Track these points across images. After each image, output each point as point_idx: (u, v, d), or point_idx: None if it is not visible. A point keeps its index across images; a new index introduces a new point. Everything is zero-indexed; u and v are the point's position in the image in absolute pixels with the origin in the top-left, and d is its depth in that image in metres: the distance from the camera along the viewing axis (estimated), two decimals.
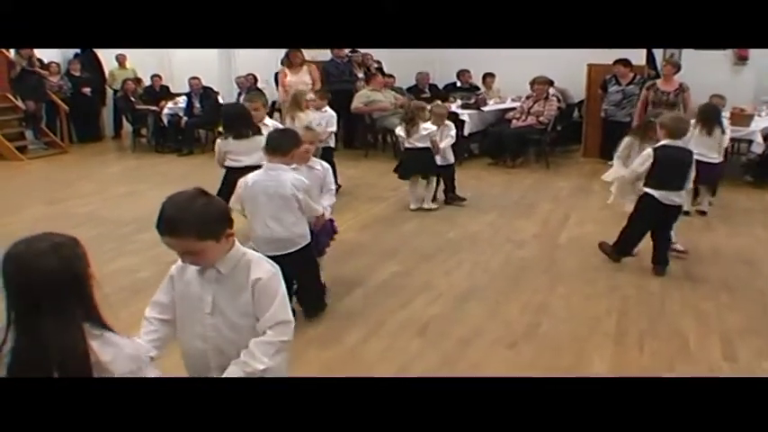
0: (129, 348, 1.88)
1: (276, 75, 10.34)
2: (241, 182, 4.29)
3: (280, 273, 2.35)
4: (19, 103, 11.63)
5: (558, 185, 8.69)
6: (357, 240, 6.33)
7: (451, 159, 7.70)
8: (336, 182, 5.86)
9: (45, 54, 12.26)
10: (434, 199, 7.61)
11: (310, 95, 8.35)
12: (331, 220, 4.94)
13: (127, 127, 12.83)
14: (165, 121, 11.67)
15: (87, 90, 12.60)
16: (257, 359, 2.26)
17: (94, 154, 11.79)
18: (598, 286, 5.17)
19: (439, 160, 7.46)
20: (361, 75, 11.38)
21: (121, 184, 9.03)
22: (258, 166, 4.39)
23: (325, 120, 7.94)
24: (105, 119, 13.40)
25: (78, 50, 12.99)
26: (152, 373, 1.99)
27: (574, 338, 4.29)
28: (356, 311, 4.76)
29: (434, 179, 7.57)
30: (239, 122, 5.99)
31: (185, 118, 11.37)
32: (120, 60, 13.10)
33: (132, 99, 12.16)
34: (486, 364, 3.97)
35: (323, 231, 4.77)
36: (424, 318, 4.63)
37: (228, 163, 5.99)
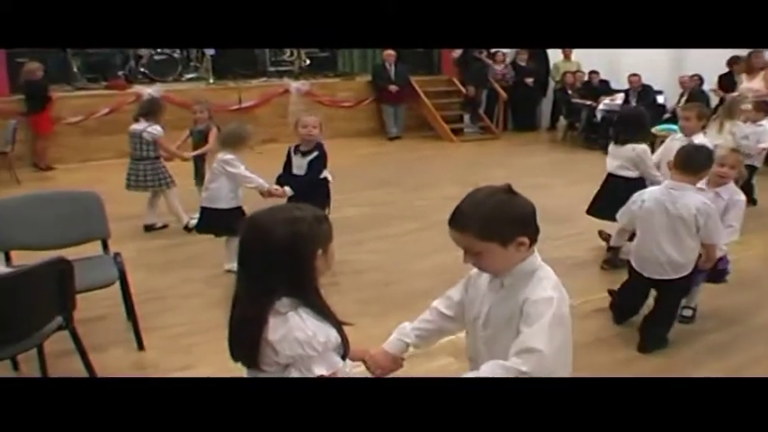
0: (301, 333, 1.92)
1: (720, 77, 10.18)
2: (636, 196, 4.41)
3: (563, 300, 2.15)
4: (462, 87, 13.30)
5: None
6: (751, 269, 5.96)
7: None
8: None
9: None
10: None
11: (747, 105, 8.07)
12: (723, 258, 4.67)
13: (562, 119, 13.75)
14: (599, 116, 12.22)
15: (530, 80, 13.74)
16: None
17: (524, 143, 12.87)
18: None
19: None
20: None
21: (536, 176, 9.71)
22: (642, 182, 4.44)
23: (757, 135, 7.66)
24: (543, 110, 14.47)
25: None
26: (331, 361, 2.00)
27: None
28: (722, 348, 4.51)
29: None
30: (629, 128, 5.95)
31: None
32: (566, 53, 14.01)
33: (569, 92, 12.98)
34: None
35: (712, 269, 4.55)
36: None
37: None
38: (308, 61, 13.68)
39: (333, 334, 1.99)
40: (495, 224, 2.08)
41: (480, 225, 2.08)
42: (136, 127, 6.78)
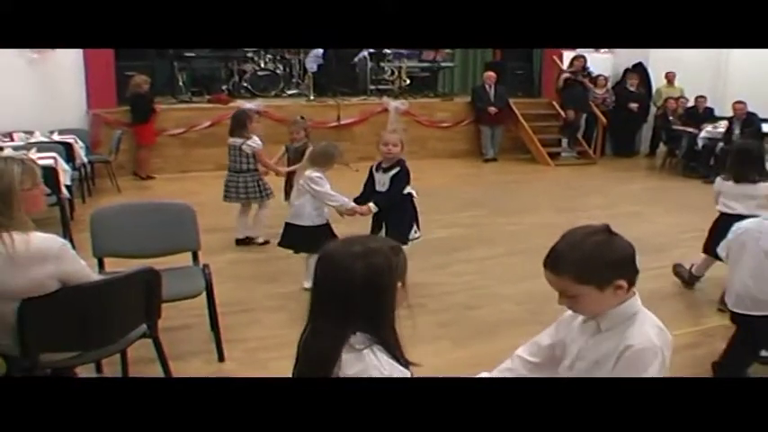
0: (376, 372, 1.88)
1: None
2: (735, 226, 4.31)
3: (667, 345, 2.09)
4: (561, 111, 13.23)
5: None
6: None
7: None
8: None
9: (595, 66, 13.48)
10: None
11: None
12: None
13: (662, 146, 13.47)
14: (700, 144, 11.91)
15: (635, 105, 13.52)
16: None
17: (621, 169, 12.65)
18: None
19: None
20: None
21: (633, 203, 9.60)
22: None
23: None
24: (643, 135, 14.20)
25: (633, 63, 13.96)
26: None
27: None
28: None
29: None
30: (739, 163, 5.67)
31: (721, 144, 11.45)
32: (669, 78, 13.72)
33: (671, 118, 12.70)
34: None
35: None
36: None
37: (720, 207, 5.78)
38: (408, 81, 13.81)
39: (406, 374, 1.96)
40: (593, 267, 2.04)
41: (577, 268, 2.04)
42: (235, 140, 6.97)
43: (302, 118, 7.75)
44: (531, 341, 2.42)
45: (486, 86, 13.04)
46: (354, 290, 1.88)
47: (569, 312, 2.26)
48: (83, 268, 3.11)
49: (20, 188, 2.95)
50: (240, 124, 7.00)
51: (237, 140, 6.93)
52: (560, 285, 2.08)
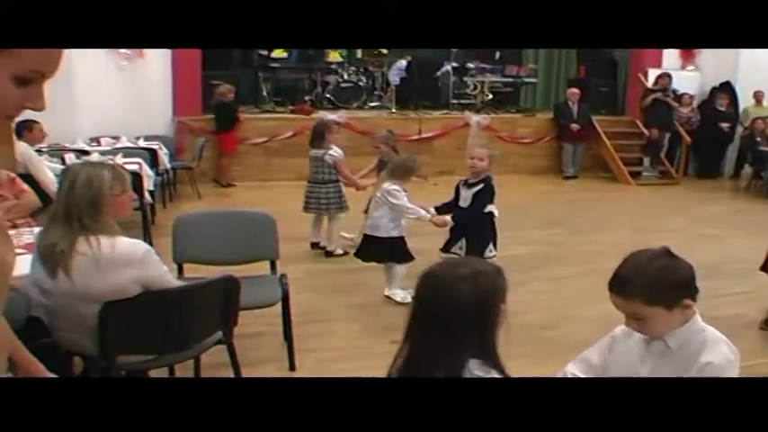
0: None
1: None
2: None
3: (738, 360, 2.16)
4: (644, 129, 12.95)
5: None
6: None
7: None
8: None
9: (681, 85, 13.19)
10: None
11: None
12: None
13: (747, 167, 13.08)
14: None
15: (726, 125, 13.17)
16: None
17: (704, 190, 12.32)
18: None
19: None
20: None
21: (714, 226, 9.34)
22: None
23: None
24: (728, 156, 13.80)
25: (721, 82, 13.59)
26: None
27: None
28: None
29: None
30: None
31: None
32: (758, 97, 13.33)
33: (758, 139, 12.32)
34: None
35: None
36: None
37: None
38: (490, 95, 13.78)
39: None
40: (661, 289, 2.11)
41: (645, 291, 2.10)
42: (317, 150, 7.03)
43: (390, 132, 7.74)
44: (579, 357, 2.48)
45: (570, 103, 12.91)
46: (463, 312, 1.87)
47: (621, 330, 2.36)
48: (165, 274, 3.19)
49: (109, 193, 3.02)
50: (320, 135, 7.06)
51: (319, 151, 6.99)
52: (629, 309, 2.16)
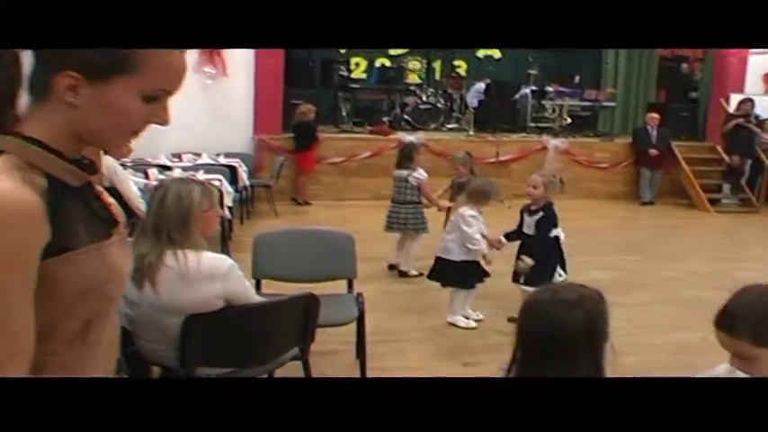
0: None
1: None
2: None
3: None
4: (725, 156, 12.70)
5: None
6: None
7: None
8: None
9: (764, 111, 12.87)
10: None
11: None
12: None
13: None
14: None
15: None
16: None
17: None
18: None
19: None
20: None
21: None
22: None
23: None
24: None
25: None
26: None
27: None
28: None
29: None
30: None
31: None
32: None
33: None
34: None
35: None
36: None
37: None
38: (569, 119, 13.68)
39: None
40: None
41: (755, 331, 1.97)
42: (401, 171, 7.11)
43: (468, 154, 7.77)
44: None
45: (649, 128, 12.72)
46: (577, 339, 1.86)
47: (724, 369, 2.18)
48: (248, 289, 3.28)
49: (198, 209, 3.13)
50: (408, 156, 7.17)
51: (403, 172, 7.08)
52: (735, 347, 2.02)
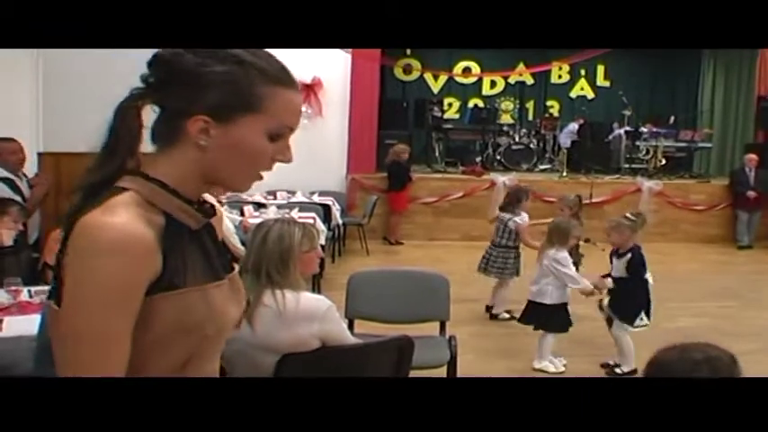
0: None
1: None
2: None
3: None
4: None
5: None
6: None
7: None
8: None
9: None
10: None
11: None
12: None
13: None
14: None
15: None
16: None
17: None
18: None
19: None
20: None
21: None
22: None
23: None
24: None
25: None
26: None
27: None
28: None
29: None
30: None
31: None
32: None
33: None
34: None
35: None
36: None
37: None
38: (663, 161, 13.43)
39: None
40: None
41: None
42: (504, 214, 7.07)
43: (578, 197, 7.61)
44: None
45: (747, 169, 12.35)
46: None
47: None
48: (344, 330, 3.30)
49: (299, 250, 3.18)
50: (516, 200, 7.12)
51: (506, 215, 7.03)
52: None
